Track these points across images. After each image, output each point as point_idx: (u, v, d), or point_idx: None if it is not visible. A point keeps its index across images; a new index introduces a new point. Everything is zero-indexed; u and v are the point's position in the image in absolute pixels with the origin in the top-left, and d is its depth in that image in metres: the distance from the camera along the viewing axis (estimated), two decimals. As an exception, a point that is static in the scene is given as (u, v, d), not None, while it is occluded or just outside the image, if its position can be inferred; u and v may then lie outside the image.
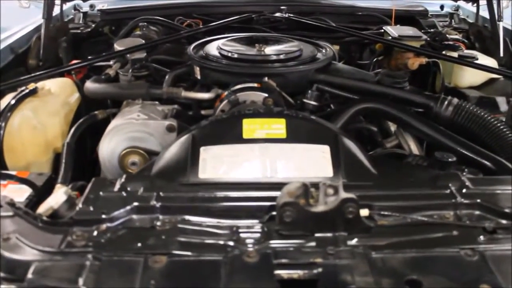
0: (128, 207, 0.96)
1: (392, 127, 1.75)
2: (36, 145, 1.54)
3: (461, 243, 0.88)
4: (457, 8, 2.96)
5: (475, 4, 2.65)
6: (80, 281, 0.77)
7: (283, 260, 0.83)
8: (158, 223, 0.94)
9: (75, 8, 2.77)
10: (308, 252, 0.85)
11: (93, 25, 2.64)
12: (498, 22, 2.36)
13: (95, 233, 0.90)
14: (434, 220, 0.96)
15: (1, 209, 0.94)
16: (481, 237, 0.89)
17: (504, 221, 0.94)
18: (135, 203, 0.96)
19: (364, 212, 0.93)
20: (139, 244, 0.87)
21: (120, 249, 0.86)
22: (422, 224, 0.94)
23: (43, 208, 0.98)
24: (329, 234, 0.89)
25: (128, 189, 1.02)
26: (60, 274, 0.79)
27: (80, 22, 2.71)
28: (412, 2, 3.00)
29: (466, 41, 2.48)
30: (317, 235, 0.89)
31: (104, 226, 0.92)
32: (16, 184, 1.21)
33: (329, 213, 0.88)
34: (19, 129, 1.52)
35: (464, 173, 1.24)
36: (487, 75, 2.03)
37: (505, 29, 2.38)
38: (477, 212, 0.98)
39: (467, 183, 1.05)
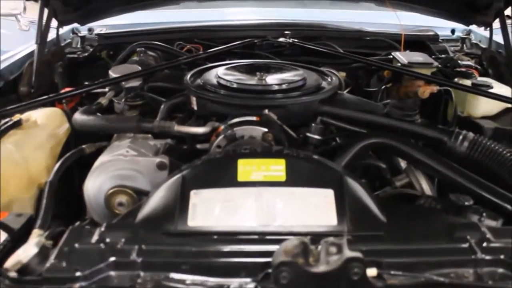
0: (105, 263, 0.86)
1: (402, 163, 1.65)
2: (19, 181, 1.45)
3: (482, 307, 0.78)
4: (469, 33, 2.87)
5: (488, 28, 2.55)
6: None
7: (279, 330, 0.73)
8: (139, 281, 0.85)
9: (73, 31, 2.71)
10: (308, 319, 0.75)
11: (91, 50, 2.57)
12: (512, 47, 2.26)
13: (67, 293, 0.81)
14: (451, 279, 0.86)
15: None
16: (505, 300, 0.79)
17: (531, 282, 0.83)
18: (113, 258, 0.87)
19: (372, 272, 0.83)
20: (116, 308, 0.77)
21: (93, 314, 0.76)
22: (437, 284, 0.85)
23: (12, 261, 0.88)
24: (331, 298, 0.79)
25: (107, 240, 0.93)
26: None
27: (78, 46, 2.65)
28: (421, 27, 2.93)
29: (479, 67, 2.39)
30: (318, 298, 0.79)
31: (77, 285, 0.84)
32: (-9, 227, 1.12)
33: (331, 274, 0.78)
34: (0, 164, 1.43)
35: (483, 218, 1.15)
36: (502, 105, 1.93)
37: (520, 54, 2.29)
38: (500, 270, 0.88)
39: (488, 235, 0.94)
